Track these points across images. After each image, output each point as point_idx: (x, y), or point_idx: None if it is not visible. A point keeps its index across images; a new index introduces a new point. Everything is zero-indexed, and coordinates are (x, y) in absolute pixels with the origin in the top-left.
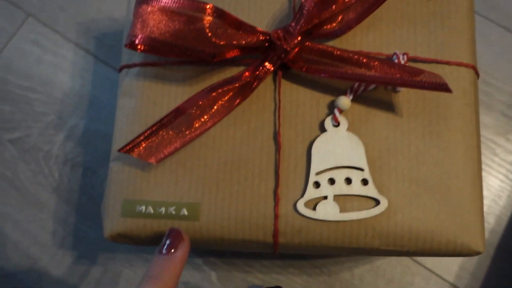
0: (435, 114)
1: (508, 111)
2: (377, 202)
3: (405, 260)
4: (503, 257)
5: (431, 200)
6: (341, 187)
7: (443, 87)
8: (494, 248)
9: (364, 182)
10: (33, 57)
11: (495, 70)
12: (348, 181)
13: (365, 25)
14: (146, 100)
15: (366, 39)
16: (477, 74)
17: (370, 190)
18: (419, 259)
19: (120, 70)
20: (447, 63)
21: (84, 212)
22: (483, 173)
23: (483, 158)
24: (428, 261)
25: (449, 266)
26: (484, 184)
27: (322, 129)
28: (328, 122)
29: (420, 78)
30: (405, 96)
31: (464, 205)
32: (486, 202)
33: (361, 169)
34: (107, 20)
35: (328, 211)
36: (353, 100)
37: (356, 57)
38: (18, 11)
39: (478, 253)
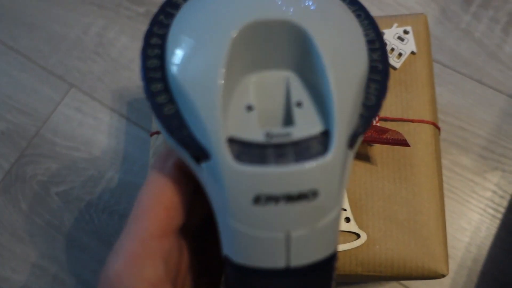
0: (403, 162)
1: (483, 152)
2: (358, 236)
3: (396, 286)
4: (485, 283)
5: (402, 233)
6: None
7: (403, 143)
8: (477, 275)
9: (347, 220)
10: (76, 121)
11: (470, 117)
12: None
13: None
14: None
15: None
16: (437, 128)
17: (352, 226)
18: (408, 285)
19: (151, 135)
20: (411, 121)
21: None
22: (464, 209)
23: (464, 195)
24: (415, 286)
25: None
26: (465, 218)
27: None
28: None
29: (385, 135)
30: (378, 148)
31: (429, 237)
32: (467, 234)
33: (345, 209)
34: (136, 88)
35: None
36: None
37: None
38: (63, 83)
39: (443, 275)
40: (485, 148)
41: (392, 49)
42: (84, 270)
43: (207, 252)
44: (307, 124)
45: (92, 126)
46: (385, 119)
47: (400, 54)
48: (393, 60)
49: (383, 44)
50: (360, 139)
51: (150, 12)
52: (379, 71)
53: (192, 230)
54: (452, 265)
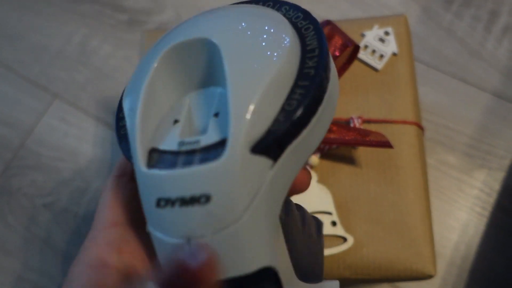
0: (388, 164)
1: (469, 150)
2: (345, 240)
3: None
4: (475, 281)
5: (389, 235)
6: None
7: (386, 144)
8: (467, 273)
9: (333, 223)
10: (61, 132)
11: (454, 116)
12: None
13: None
14: None
15: None
16: (421, 128)
17: (338, 230)
18: (398, 285)
19: None
20: (395, 122)
21: None
22: (452, 208)
23: (451, 194)
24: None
25: None
26: (453, 216)
27: None
28: None
29: (369, 138)
30: (362, 151)
31: (416, 238)
32: (456, 232)
33: (330, 213)
34: None
35: None
36: (320, 157)
37: None
38: (47, 94)
39: (430, 276)
40: (470, 146)
41: (374, 51)
42: None
43: None
44: (216, 132)
45: (77, 136)
46: (368, 121)
47: (381, 56)
48: (374, 62)
49: (323, 52)
50: (290, 148)
51: (132, 20)
52: (309, 77)
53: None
54: (442, 264)
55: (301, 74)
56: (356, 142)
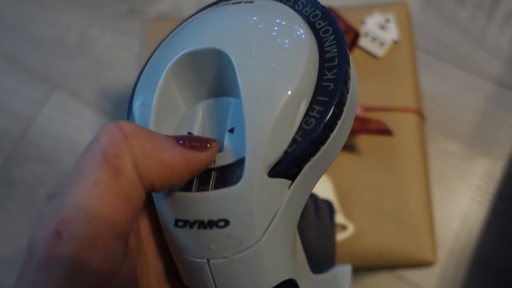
0: (388, 152)
1: (470, 140)
2: (345, 228)
3: (391, 278)
4: (475, 270)
5: (390, 224)
6: None
7: (386, 132)
8: (467, 262)
9: None
10: (62, 122)
11: (456, 105)
12: None
13: None
14: None
15: None
16: (421, 116)
17: (339, 218)
18: (403, 274)
19: None
20: (395, 109)
21: None
22: (453, 197)
23: (451, 183)
24: (409, 275)
25: (429, 279)
26: (453, 205)
27: None
28: None
29: (369, 125)
30: (363, 139)
31: (416, 226)
32: (456, 221)
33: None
34: (122, 86)
35: None
36: None
37: None
38: (47, 84)
39: (430, 263)
40: (471, 135)
41: (374, 39)
42: None
43: None
44: (231, 151)
45: (78, 126)
46: (369, 109)
47: (382, 43)
48: (375, 49)
49: (342, 62)
50: (308, 165)
51: (132, 10)
52: (328, 92)
53: None
54: (442, 252)
55: (320, 87)
56: (357, 130)
